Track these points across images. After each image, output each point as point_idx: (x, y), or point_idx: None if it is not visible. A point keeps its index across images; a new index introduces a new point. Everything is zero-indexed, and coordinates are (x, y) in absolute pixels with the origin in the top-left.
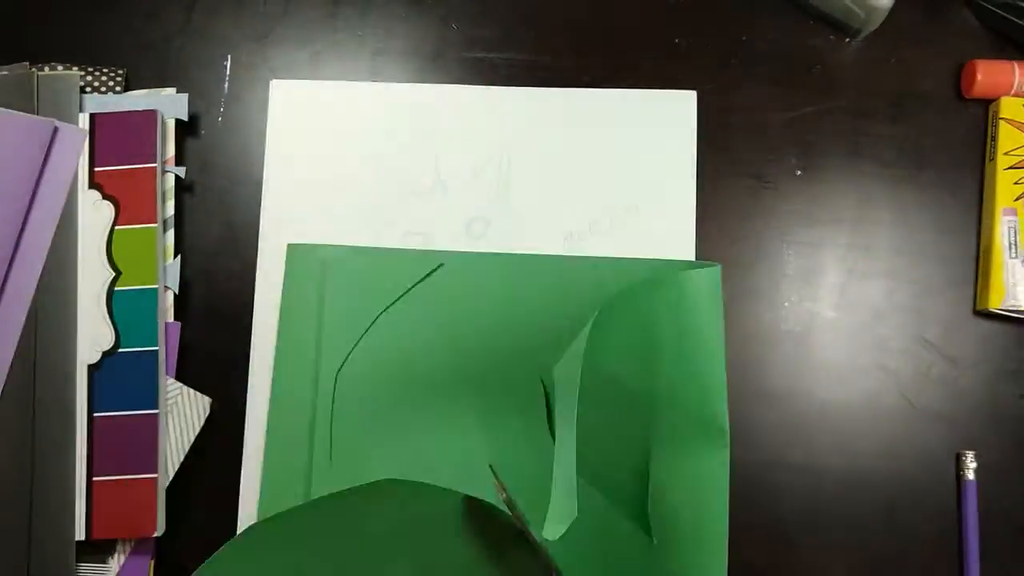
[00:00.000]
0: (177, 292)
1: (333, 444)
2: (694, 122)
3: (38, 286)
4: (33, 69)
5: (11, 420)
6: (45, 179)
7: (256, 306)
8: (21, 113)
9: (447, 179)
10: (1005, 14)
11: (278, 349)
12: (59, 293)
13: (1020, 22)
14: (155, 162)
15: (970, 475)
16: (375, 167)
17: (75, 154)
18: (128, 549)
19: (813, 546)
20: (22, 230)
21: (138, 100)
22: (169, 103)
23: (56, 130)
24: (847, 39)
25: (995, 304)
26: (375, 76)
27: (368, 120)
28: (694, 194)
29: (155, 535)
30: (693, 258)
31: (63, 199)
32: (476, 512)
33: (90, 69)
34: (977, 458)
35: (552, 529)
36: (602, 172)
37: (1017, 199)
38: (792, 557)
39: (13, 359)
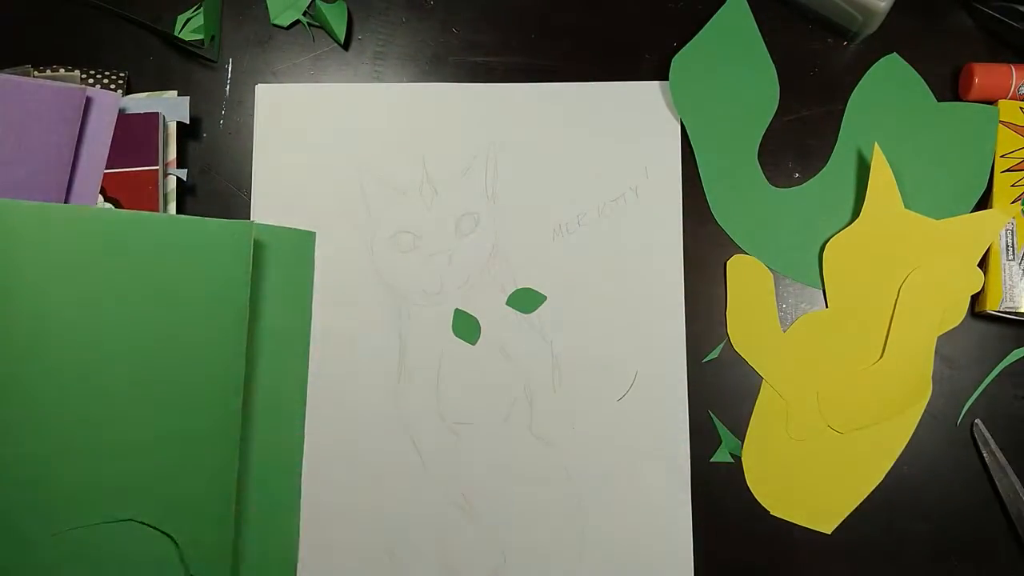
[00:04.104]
0: None
1: None
2: (676, 112)
3: None
4: (34, 72)
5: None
6: (83, 147)
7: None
8: (53, 82)
9: (435, 177)
10: (1002, 17)
11: None
12: None
13: (1017, 25)
14: (157, 164)
15: None
16: (363, 167)
17: (110, 121)
18: None
19: (813, 546)
20: (67, 199)
21: (140, 103)
22: (171, 106)
23: (89, 99)
24: (845, 42)
25: (992, 306)
26: (376, 80)
27: (355, 121)
28: (680, 185)
29: None
30: (681, 250)
31: (102, 166)
32: None
33: (92, 72)
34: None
35: None
36: (589, 165)
37: (1014, 201)
38: (792, 557)
39: None
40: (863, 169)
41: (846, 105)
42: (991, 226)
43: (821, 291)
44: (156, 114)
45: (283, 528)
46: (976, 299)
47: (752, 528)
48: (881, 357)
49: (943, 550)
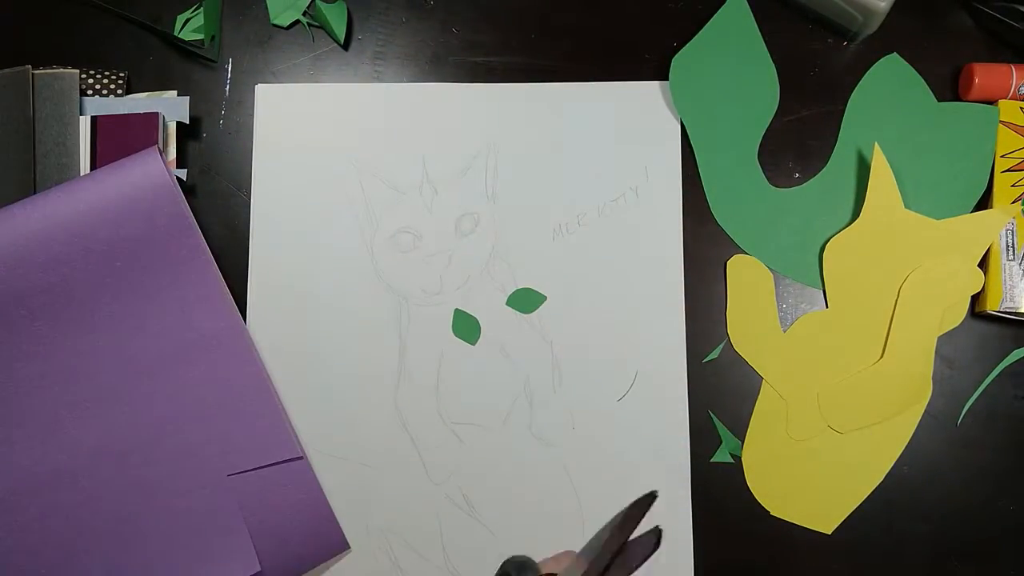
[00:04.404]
0: None
1: None
2: (676, 112)
3: None
4: (34, 72)
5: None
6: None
7: (249, 309)
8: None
9: (435, 177)
10: (1002, 17)
11: None
12: None
13: (1017, 25)
14: None
15: None
16: (363, 167)
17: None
18: None
19: (813, 546)
20: None
21: (139, 103)
22: (170, 106)
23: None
24: (845, 42)
25: (993, 306)
26: (376, 80)
27: (355, 121)
28: (680, 185)
29: None
30: (681, 250)
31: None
32: None
33: (91, 72)
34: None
35: None
36: (589, 165)
37: (1015, 201)
38: (792, 557)
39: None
40: (863, 169)
41: (846, 105)
42: (991, 226)
43: (821, 291)
44: (156, 114)
45: None
46: (976, 299)
47: (752, 528)
48: (881, 357)
49: (943, 551)
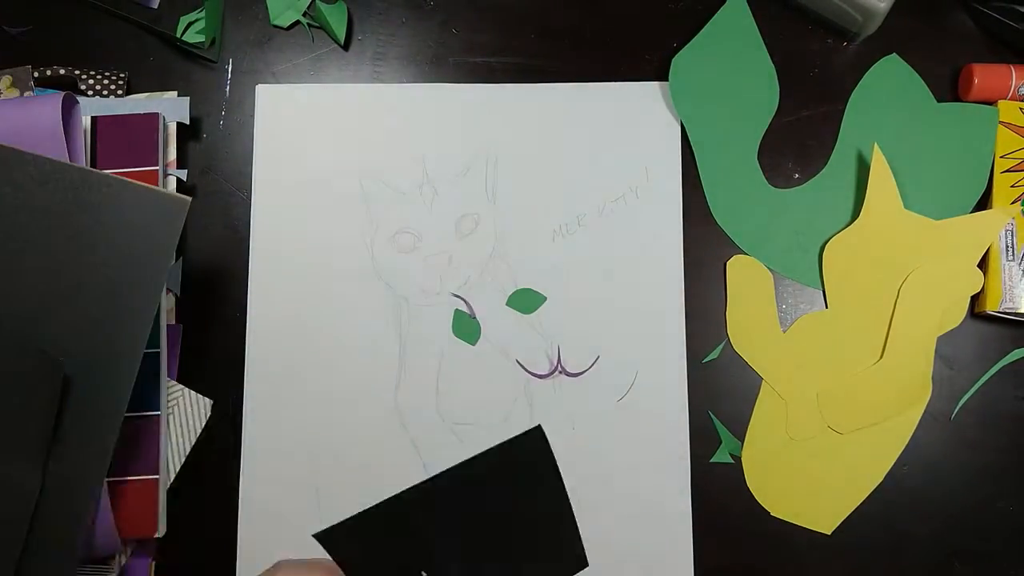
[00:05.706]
0: (179, 294)
1: None
2: (676, 112)
3: None
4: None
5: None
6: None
7: (249, 310)
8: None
9: (435, 177)
10: (1002, 18)
11: None
12: None
13: (1017, 26)
14: (157, 165)
15: None
16: (363, 168)
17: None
18: (129, 550)
19: (813, 547)
20: None
21: (140, 103)
22: (171, 106)
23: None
24: (845, 43)
25: (992, 306)
26: (376, 80)
27: (355, 121)
28: (680, 185)
29: (156, 536)
30: (681, 250)
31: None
32: None
33: (92, 72)
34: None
35: None
36: (589, 165)
37: (1014, 202)
38: (792, 557)
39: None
40: (863, 169)
41: (846, 105)
42: (991, 226)
43: (821, 291)
44: (156, 114)
45: None
46: (976, 299)
47: (752, 529)
48: (881, 357)
49: (943, 551)
